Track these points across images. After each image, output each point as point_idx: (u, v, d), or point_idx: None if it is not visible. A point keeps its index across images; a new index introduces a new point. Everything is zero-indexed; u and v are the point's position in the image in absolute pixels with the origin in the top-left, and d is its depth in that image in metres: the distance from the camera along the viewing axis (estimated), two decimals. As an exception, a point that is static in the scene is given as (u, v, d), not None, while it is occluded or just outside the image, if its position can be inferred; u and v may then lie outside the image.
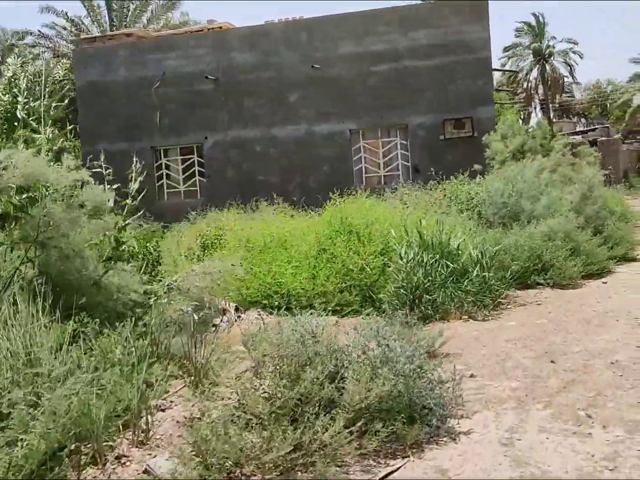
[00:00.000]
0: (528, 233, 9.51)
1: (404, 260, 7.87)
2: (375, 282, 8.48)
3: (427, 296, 7.53)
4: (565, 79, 49.97)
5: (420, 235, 8.53)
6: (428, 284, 7.64)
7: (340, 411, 3.78)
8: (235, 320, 8.44)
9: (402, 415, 3.96)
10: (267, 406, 3.80)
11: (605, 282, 8.73)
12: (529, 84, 47.37)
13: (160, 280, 6.87)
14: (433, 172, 14.96)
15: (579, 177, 11.27)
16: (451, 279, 7.97)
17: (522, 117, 46.74)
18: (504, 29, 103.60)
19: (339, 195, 11.35)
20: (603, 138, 29.46)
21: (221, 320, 8.43)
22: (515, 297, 8.09)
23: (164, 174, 19.63)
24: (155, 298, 5.62)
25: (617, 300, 7.53)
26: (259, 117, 18.64)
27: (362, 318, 8.35)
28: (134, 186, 6.14)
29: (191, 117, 19.03)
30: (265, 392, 4.06)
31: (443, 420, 4.13)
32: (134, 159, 6.35)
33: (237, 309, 8.65)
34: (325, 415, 3.70)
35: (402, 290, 7.62)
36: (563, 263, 8.79)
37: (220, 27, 20.06)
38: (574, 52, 47.83)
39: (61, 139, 10.23)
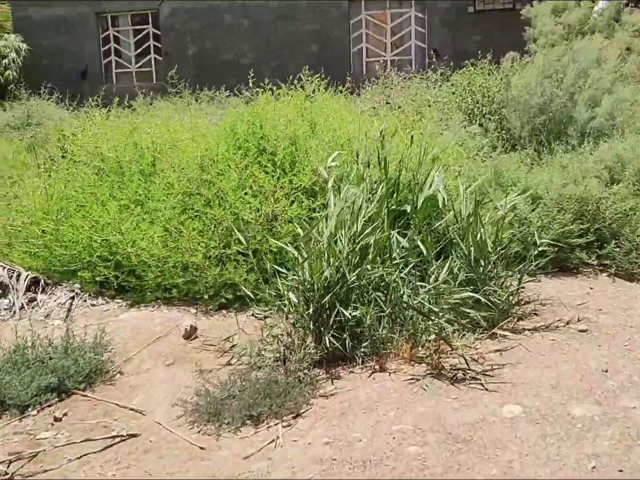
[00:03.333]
0: (579, 167, 5.38)
1: (323, 233, 3.87)
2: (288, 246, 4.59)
3: (348, 312, 3.59)
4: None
5: (382, 166, 4.58)
6: (355, 283, 3.70)
7: None
8: (22, 307, 4.72)
9: None
10: None
11: None
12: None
13: None
14: (433, 56, 10.41)
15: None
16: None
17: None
18: None
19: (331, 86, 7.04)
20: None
21: (-6, 307, 4.80)
22: (541, 304, 4.11)
23: (113, 48, 15.39)
24: None
25: None
26: (230, -26, 14.05)
27: (254, 315, 4.62)
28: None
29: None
30: None
31: None
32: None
33: (35, 284, 4.91)
34: None
35: (301, 297, 3.70)
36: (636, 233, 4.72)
37: None
38: None
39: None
